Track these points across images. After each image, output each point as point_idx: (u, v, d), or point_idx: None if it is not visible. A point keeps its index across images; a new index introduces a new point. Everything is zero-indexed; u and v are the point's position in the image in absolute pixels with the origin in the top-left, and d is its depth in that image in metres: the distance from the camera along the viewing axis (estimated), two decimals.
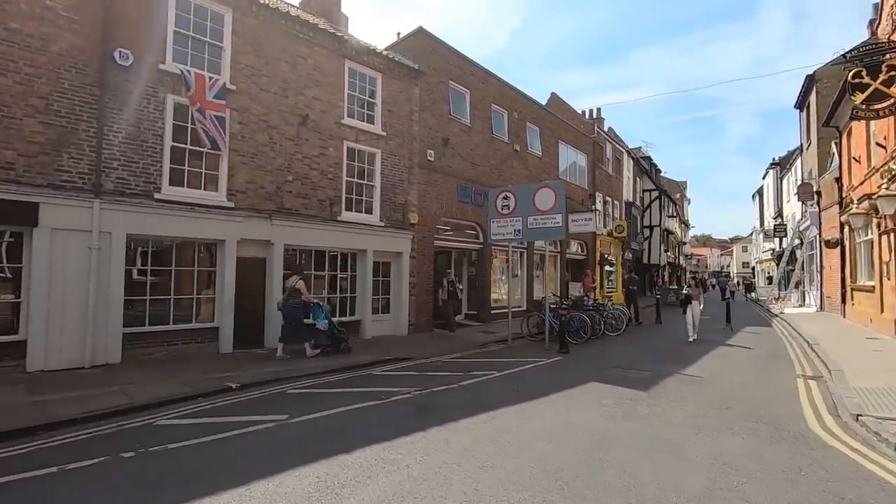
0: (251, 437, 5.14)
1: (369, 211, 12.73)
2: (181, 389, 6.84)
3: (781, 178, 33.66)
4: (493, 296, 17.20)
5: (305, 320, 9.81)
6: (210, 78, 9.24)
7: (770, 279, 39.70)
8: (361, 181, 12.57)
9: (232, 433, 5.18)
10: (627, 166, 31.58)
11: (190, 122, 9.25)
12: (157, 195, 8.92)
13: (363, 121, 12.64)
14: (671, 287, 31.45)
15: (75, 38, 8.10)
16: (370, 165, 12.77)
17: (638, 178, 34.31)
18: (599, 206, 25.54)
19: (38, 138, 7.73)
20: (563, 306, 11.50)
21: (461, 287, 13.88)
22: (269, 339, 10.52)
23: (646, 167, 36.17)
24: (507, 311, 17.16)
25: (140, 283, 9.08)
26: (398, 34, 15.73)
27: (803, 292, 25.20)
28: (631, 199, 31.59)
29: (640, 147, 38.10)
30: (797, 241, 26.77)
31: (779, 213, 33.97)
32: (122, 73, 8.56)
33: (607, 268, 26.98)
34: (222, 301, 9.84)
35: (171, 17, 9.23)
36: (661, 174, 42.72)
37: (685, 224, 60.47)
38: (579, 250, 23.82)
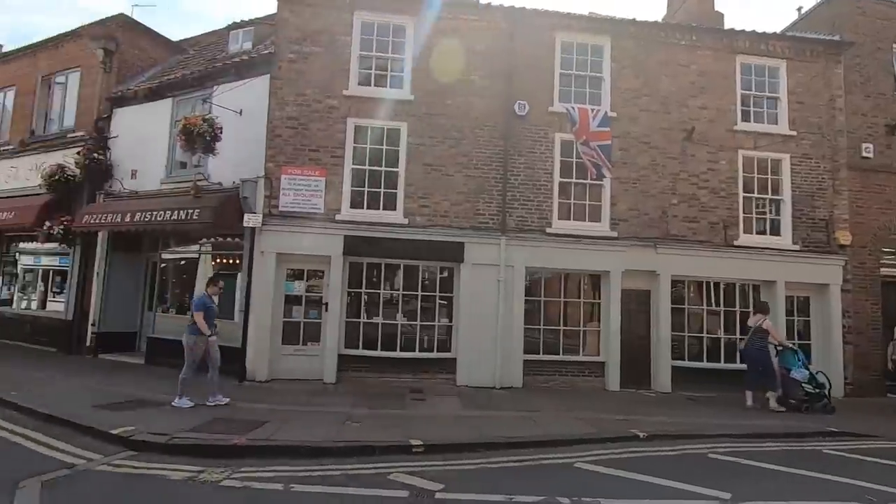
0: None
1: (775, 232, 10.14)
2: (585, 429, 6.54)
3: None
4: None
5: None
6: (592, 110, 9.23)
7: None
8: (763, 196, 10.17)
9: (667, 502, 4.33)
10: None
11: (575, 156, 9.45)
12: (548, 229, 9.40)
13: (762, 122, 10.30)
14: None
15: (486, 102, 9.50)
16: (774, 175, 10.21)
17: None
18: None
19: (463, 189, 9.31)
20: None
21: None
22: (655, 380, 9.49)
23: None
24: None
25: (532, 313, 9.62)
26: (799, 10, 12.56)
27: None
28: None
29: None
30: None
31: None
32: (519, 122, 9.53)
33: None
34: (608, 335, 9.46)
35: (558, 60, 9.80)
36: None
37: None
38: None
